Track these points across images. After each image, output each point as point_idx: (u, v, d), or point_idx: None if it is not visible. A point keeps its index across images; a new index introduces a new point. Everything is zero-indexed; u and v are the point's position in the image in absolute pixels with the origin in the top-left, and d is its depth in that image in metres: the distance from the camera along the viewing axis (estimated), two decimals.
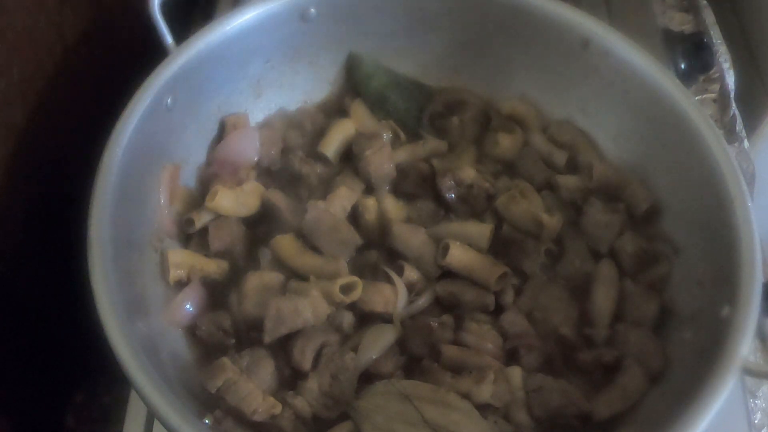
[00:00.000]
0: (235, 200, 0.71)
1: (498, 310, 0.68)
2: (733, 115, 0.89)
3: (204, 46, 0.69)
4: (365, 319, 0.66)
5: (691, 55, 0.91)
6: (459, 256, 0.68)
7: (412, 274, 0.68)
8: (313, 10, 0.75)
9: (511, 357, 0.65)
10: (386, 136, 0.78)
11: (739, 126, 0.89)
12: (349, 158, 0.76)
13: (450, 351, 0.64)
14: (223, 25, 0.70)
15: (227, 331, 0.65)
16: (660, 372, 0.64)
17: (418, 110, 0.81)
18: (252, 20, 0.72)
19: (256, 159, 0.75)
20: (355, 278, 0.66)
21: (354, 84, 0.81)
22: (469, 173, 0.73)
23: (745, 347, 0.56)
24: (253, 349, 0.63)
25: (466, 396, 0.61)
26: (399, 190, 0.75)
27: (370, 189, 0.74)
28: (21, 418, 0.75)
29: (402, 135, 0.79)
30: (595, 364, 0.65)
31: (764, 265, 0.61)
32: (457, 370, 0.63)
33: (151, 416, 0.67)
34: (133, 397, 0.69)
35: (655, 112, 0.71)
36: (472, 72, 0.81)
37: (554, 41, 0.75)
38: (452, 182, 0.73)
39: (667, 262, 0.69)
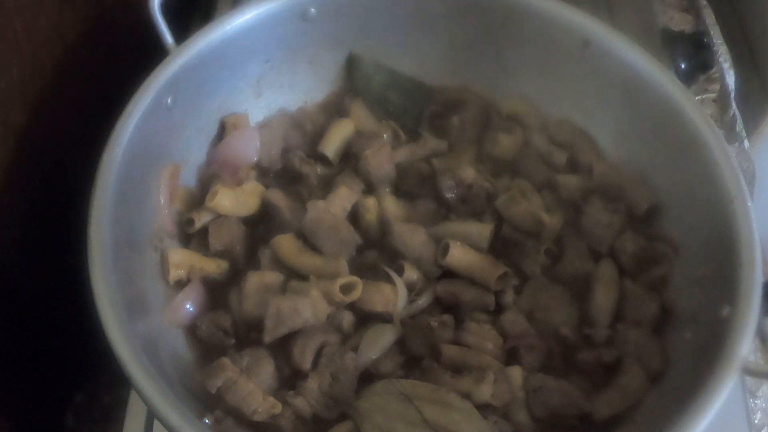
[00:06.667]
0: (235, 200, 0.71)
1: (498, 310, 0.68)
2: (733, 114, 0.89)
3: (204, 46, 0.69)
4: (365, 319, 0.66)
5: (691, 55, 0.91)
6: (459, 256, 0.68)
7: (412, 274, 0.68)
8: (313, 9, 0.75)
9: (511, 357, 0.65)
10: (386, 136, 0.78)
11: (739, 126, 0.89)
12: (349, 158, 0.76)
13: (450, 351, 0.64)
14: (223, 25, 0.70)
15: (227, 330, 0.65)
16: (660, 372, 0.64)
17: (418, 110, 0.81)
18: (252, 20, 0.72)
19: (256, 159, 0.75)
20: (355, 278, 0.66)
21: (354, 84, 0.81)
22: (469, 173, 0.73)
23: (745, 347, 0.56)
24: (253, 349, 0.63)
25: (466, 396, 0.61)
26: (399, 189, 0.75)
27: (370, 189, 0.74)
28: (21, 418, 0.75)
29: (402, 135, 0.79)
30: (596, 364, 0.65)
31: (764, 265, 0.61)
32: (457, 369, 0.63)
33: (151, 416, 0.67)
34: (133, 397, 0.69)
35: (655, 112, 0.71)
36: (472, 72, 0.81)
37: (554, 41, 0.75)
38: (452, 182, 0.73)
39: (667, 262, 0.69)
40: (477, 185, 0.73)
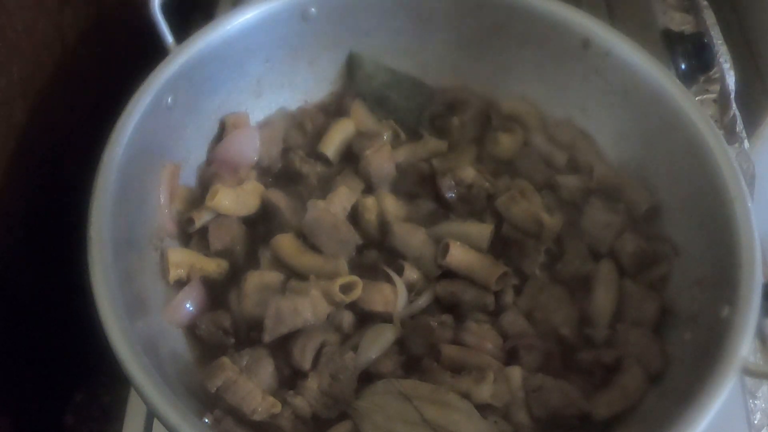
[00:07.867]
0: (236, 199, 0.71)
1: (498, 310, 0.68)
2: (734, 115, 0.89)
3: (204, 46, 0.69)
4: (365, 318, 0.66)
5: (692, 55, 0.91)
6: (459, 256, 0.68)
7: (412, 273, 0.68)
8: (313, 9, 0.75)
9: (511, 357, 0.65)
10: (386, 135, 0.78)
11: (740, 126, 0.89)
12: (349, 158, 0.76)
13: (450, 351, 0.64)
14: (223, 25, 0.70)
15: (227, 330, 0.65)
16: (660, 372, 0.64)
17: (419, 110, 0.81)
18: (252, 20, 0.72)
19: (256, 158, 0.75)
20: (355, 278, 0.66)
21: (354, 84, 0.81)
22: (469, 173, 0.73)
23: (745, 348, 0.56)
24: (253, 349, 0.63)
25: (466, 396, 0.61)
26: (399, 189, 0.75)
27: (370, 188, 0.74)
28: (21, 418, 0.75)
29: (402, 135, 0.79)
30: (595, 364, 0.65)
31: (764, 265, 0.61)
32: (457, 369, 0.63)
33: (151, 416, 0.67)
34: (133, 396, 0.69)
35: (655, 112, 0.71)
36: (472, 72, 0.81)
37: (554, 41, 0.75)
38: (452, 182, 0.73)
39: (667, 262, 0.69)
40: (477, 185, 0.73)
